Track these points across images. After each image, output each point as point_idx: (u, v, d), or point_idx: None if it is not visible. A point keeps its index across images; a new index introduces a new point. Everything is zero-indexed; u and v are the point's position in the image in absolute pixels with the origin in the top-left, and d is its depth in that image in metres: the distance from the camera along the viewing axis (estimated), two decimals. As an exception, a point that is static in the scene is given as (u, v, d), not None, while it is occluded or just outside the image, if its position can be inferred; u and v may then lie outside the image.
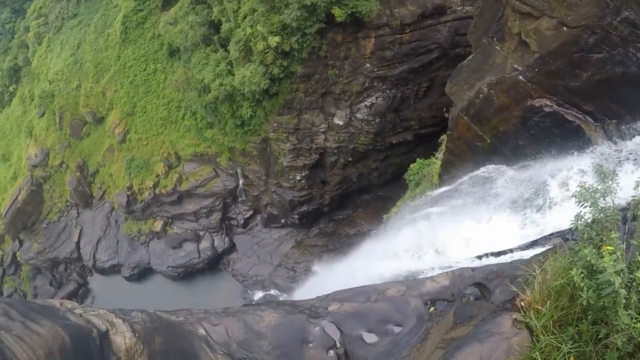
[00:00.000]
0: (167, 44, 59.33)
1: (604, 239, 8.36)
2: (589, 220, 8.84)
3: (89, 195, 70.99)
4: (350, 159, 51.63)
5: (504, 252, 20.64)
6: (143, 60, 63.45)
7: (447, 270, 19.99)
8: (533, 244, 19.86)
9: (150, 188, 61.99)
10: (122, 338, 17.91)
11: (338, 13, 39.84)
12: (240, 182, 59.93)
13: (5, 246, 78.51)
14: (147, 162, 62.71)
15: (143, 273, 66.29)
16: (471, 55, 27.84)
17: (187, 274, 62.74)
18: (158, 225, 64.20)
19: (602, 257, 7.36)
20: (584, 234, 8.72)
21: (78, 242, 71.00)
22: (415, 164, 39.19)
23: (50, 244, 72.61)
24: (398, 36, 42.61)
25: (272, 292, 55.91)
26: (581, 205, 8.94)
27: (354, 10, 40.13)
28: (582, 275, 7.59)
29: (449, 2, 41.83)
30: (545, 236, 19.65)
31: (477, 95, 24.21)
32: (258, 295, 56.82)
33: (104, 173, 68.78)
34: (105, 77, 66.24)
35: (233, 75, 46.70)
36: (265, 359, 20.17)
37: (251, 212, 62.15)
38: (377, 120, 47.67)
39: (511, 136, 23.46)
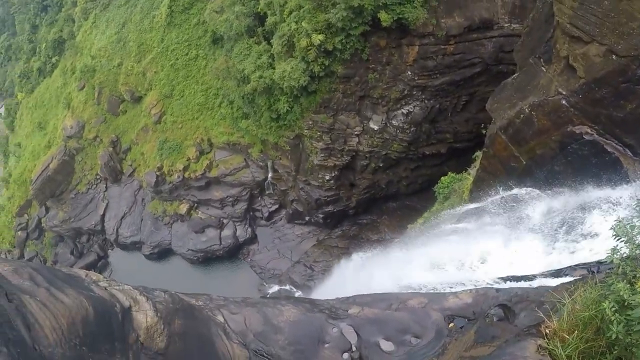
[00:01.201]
0: (211, 31, 59.89)
1: (638, 275, 8.31)
2: (624, 255, 8.80)
3: (118, 171, 72.38)
4: (381, 165, 51.50)
5: (527, 277, 20.45)
6: (186, 45, 64.27)
7: (469, 287, 19.95)
8: (558, 272, 19.58)
9: (180, 171, 62.81)
10: (144, 316, 18.28)
11: (384, 17, 39.49)
12: (269, 175, 60.24)
13: (31, 211, 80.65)
14: (179, 145, 63.57)
15: (163, 253, 67.39)
16: (516, 74, 27.57)
17: (206, 259, 63.54)
18: (183, 209, 65.10)
19: (636, 293, 7.33)
20: (619, 268, 8.67)
21: (103, 216, 72.63)
22: (446, 177, 39.01)
23: (76, 214, 74.36)
24: (442, 47, 42.20)
25: (288, 287, 56.21)
26: (618, 239, 8.89)
27: (401, 16, 39.74)
28: (614, 308, 7.53)
29: (497, 17, 41.07)
30: (570, 266, 19.38)
31: (518, 115, 23.99)
32: (273, 288, 57.22)
33: (136, 151, 70.06)
34: (147, 58, 67.34)
35: (274, 68, 46.92)
36: (280, 353, 20.40)
37: (277, 206, 62.58)
38: (412, 129, 47.46)
39: (547, 160, 23.17)
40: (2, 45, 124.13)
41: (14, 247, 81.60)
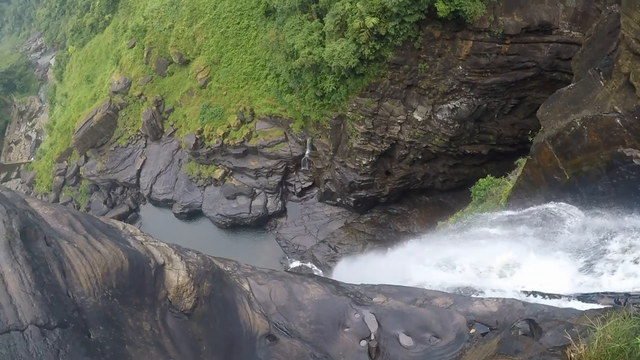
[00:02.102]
0: (265, 3, 59.73)
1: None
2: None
3: (159, 130, 73.71)
4: (419, 157, 51.14)
5: (553, 295, 20.21)
6: (238, 14, 64.31)
7: (496, 296, 19.85)
8: (584, 296, 19.30)
9: (220, 136, 63.63)
10: (177, 275, 18.79)
11: (441, 8, 38.45)
12: (307, 152, 60.69)
13: (71, 159, 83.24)
14: (222, 112, 64.25)
15: (192, 214, 68.80)
16: (572, 85, 26.85)
17: (234, 226, 64.62)
18: (218, 173, 66.12)
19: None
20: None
21: (139, 171, 74.40)
22: (484, 179, 38.51)
23: (114, 166, 76.40)
24: (497, 45, 40.95)
25: (309, 265, 56.85)
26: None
27: (458, 8, 38.53)
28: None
29: (557, 22, 39.59)
30: (598, 293, 19.03)
31: (569, 127, 23.41)
32: (295, 264, 58.01)
33: (179, 113, 71.04)
34: (198, 23, 67.68)
35: (323, 46, 46.58)
36: (300, 330, 20.75)
37: (310, 183, 63.01)
38: (456, 125, 46.73)
39: (592, 179, 22.60)
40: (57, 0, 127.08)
41: (51, 190, 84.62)
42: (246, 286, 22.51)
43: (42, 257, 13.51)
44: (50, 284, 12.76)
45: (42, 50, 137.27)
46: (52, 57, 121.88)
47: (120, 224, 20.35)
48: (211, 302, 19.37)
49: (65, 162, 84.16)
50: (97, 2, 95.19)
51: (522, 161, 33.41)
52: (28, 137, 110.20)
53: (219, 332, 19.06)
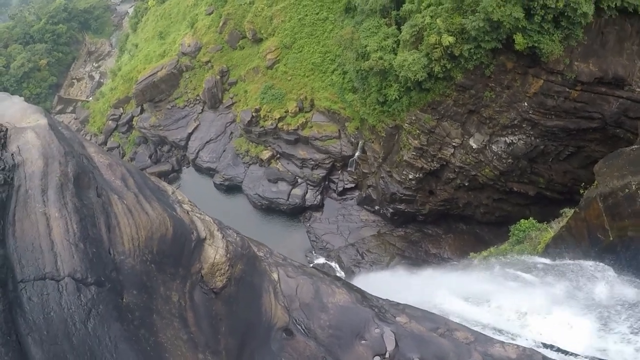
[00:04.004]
0: (347, 0, 59.99)
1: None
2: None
3: (218, 100, 74.81)
4: (466, 184, 50.45)
5: (569, 353, 19.97)
6: (319, 4, 64.69)
7: (517, 343, 19.65)
8: (597, 360, 19.03)
9: (275, 119, 64.19)
10: (215, 252, 19.08)
11: (519, 40, 37.72)
12: (357, 154, 60.56)
13: (127, 107, 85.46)
14: (282, 96, 64.73)
15: (231, 188, 69.86)
16: (635, 146, 26.22)
17: (269, 209, 65.27)
18: (266, 155, 66.83)
19: None
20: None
21: (190, 134, 75.76)
22: (526, 221, 37.91)
23: (166, 124, 78.00)
24: (567, 90, 39.96)
25: (333, 264, 57.07)
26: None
27: (536, 45, 37.75)
28: None
29: (631, 78, 38.26)
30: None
31: (623, 188, 22.95)
32: (319, 260, 58.40)
33: (241, 87, 71.91)
34: (278, 5, 68.26)
35: (395, 54, 46.35)
36: (317, 332, 20.91)
37: (353, 185, 62.91)
38: (509, 160, 45.96)
39: (635, 246, 22.17)
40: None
41: (101, 132, 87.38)
42: (275, 275, 22.77)
43: (90, 207, 13.43)
44: (94, 238, 12.59)
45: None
46: (132, 6, 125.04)
47: (170, 188, 20.78)
48: (240, 285, 19.59)
49: (121, 109, 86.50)
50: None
51: (568, 212, 32.78)
52: (91, 77, 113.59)
53: (240, 316, 19.32)
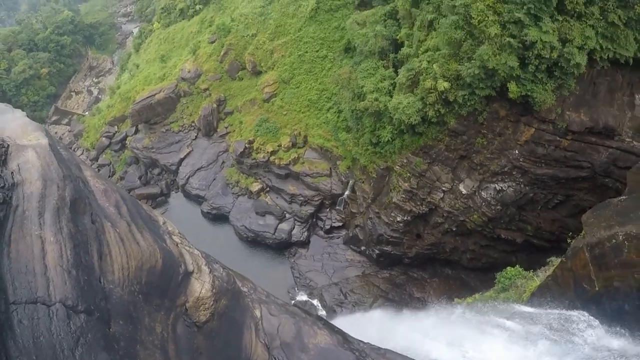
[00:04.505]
0: (347, 40, 60.85)
1: None
2: None
3: (213, 128, 75.23)
4: (453, 229, 50.44)
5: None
6: (319, 43, 65.86)
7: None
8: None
9: (268, 153, 64.49)
10: (201, 286, 18.96)
11: (513, 89, 38.13)
12: (346, 193, 60.65)
13: (122, 126, 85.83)
14: (277, 130, 65.28)
15: (218, 217, 69.46)
16: (623, 197, 26.51)
17: (254, 241, 64.80)
18: (255, 187, 66.83)
19: None
20: None
21: (182, 160, 75.93)
22: (513, 268, 37.90)
23: (160, 147, 78.15)
24: (558, 138, 40.34)
25: (315, 302, 56.40)
26: None
27: (529, 93, 38.18)
28: None
29: (621, 128, 38.64)
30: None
31: (610, 239, 23.09)
32: (302, 297, 57.67)
33: (236, 118, 72.46)
34: (280, 40, 69.44)
35: (391, 97, 46.85)
36: (297, 372, 20.64)
37: (340, 224, 62.82)
38: (498, 207, 46.11)
39: (621, 296, 22.12)
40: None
41: (94, 148, 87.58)
42: (257, 312, 22.56)
43: (85, 233, 13.38)
44: (86, 265, 12.50)
45: (129, 18, 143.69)
46: (136, 27, 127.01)
47: (161, 218, 20.74)
48: (222, 320, 19.42)
49: (116, 127, 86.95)
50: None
51: (554, 260, 32.89)
52: (89, 92, 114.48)
53: (220, 351, 19.09)
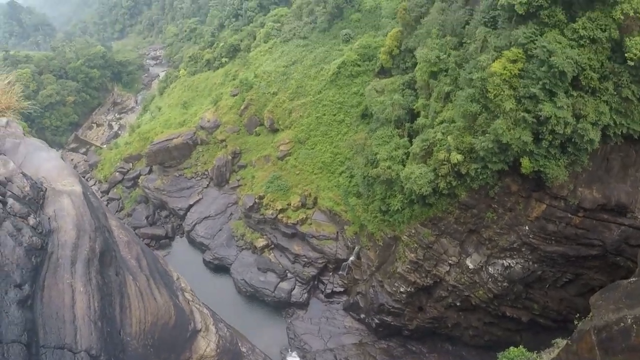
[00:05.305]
0: (365, 106, 62.27)
1: None
2: None
3: (225, 179, 76.16)
4: (457, 304, 49.56)
5: None
6: (338, 106, 67.47)
7: None
8: None
9: (277, 210, 64.73)
10: (207, 345, 19.07)
11: (526, 164, 37.81)
12: (351, 259, 60.21)
13: (137, 164, 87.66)
14: (288, 188, 65.83)
15: (220, 268, 69.23)
16: (633, 279, 26.11)
17: (253, 297, 64.13)
18: (260, 243, 66.72)
19: None
20: None
21: (191, 206, 76.65)
22: (516, 349, 36.66)
23: (170, 191, 79.20)
24: (570, 215, 39.40)
25: (308, 367, 55.32)
26: None
27: (542, 169, 37.66)
28: None
29: (634, 205, 37.85)
30: None
31: (618, 322, 22.55)
32: (294, 358, 56.56)
33: (249, 172, 73.46)
34: (299, 100, 71.35)
35: (404, 165, 47.17)
36: None
37: (342, 289, 62.04)
38: (504, 284, 45.24)
39: (628, 382, 21.64)
40: (189, 26, 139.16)
41: (106, 181, 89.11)
42: (255, 375, 22.46)
43: (110, 286, 13.82)
44: (109, 317, 12.91)
45: (158, 61, 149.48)
46: (163, 71, 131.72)
47: (175, 274, 21.03)
48: (222, 379, 19.33)
49: (130, 164, 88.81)
50: (221, 44, 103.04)
51: (560, 342, 31.95)
52: (110, 126, 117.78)
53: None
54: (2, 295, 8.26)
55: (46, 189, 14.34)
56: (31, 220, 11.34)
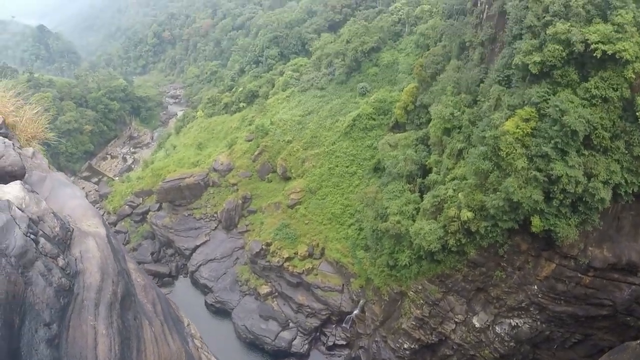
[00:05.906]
0: (378, 159, 62.98)
1: None
2: None
3: (234, 223, 76.32)
4: (462, 363, 49.05)
5: None
6: (351, 159, 68.35)
7: None
8: None
9: (283, 258, 64.49)
10: (207, 393, 19.01)
11: (536, 223, 37.76)
12: (355, 312, 59.52)
13: (147, 200, 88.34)
14: (296, 237, 65.81)
15: (221, 311, 68.41)
16: None
17: (252, 344, 63.02)
18: (264, 289, 66.24)
19: None
20: None
21: (197, 247, 76.40)
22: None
23: (178, 230, 79.13)
24: (579, 275, 39.17)
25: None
26: None
27: (552, 228, 37.58)
28: None
29: None
30: None
31: None
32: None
33: (258, 217, 73.72)
34: (312, 150, 72.41)
35: (414, 221, 47.12)
36: None
37: (344, 342, 60.81)
38: (511, 344, 44.46)
39: None
40: (211, 69, 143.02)
41: (115, 213, 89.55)
42: None
43: (129, 329, 14.06)
44: None
45: (176, 100, 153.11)
46: (181, 110, 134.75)
47: (186, 320, 21.18)
48: None
49: (141, 199, 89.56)
50: (240, 89, 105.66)
51: None
52: (124, 159, 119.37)
53: None
54: (32, 333, 8.56)
55: (73, 229, 14.75)
56: (60, 261, 11.73)
